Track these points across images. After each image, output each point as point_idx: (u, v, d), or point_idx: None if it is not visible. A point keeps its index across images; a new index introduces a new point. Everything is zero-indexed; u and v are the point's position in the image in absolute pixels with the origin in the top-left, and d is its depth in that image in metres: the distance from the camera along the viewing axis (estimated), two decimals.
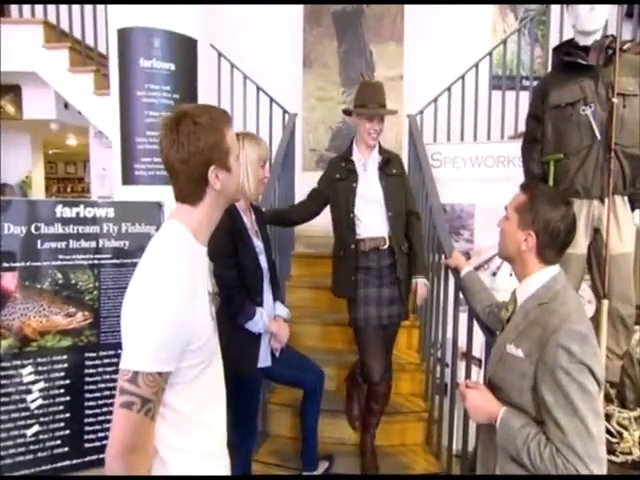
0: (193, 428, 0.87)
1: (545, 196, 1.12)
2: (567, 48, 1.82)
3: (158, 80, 1.70)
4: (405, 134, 3.59)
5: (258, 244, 1.62)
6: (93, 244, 1.41)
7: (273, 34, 4.05)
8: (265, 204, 2.25)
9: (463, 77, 3.22)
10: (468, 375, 1.80)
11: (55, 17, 3.14)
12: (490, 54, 3.25)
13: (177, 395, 0.84)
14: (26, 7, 3.22)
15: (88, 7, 3.17)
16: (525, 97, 3.25)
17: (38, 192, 4.91)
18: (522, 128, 3.40)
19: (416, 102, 3.41)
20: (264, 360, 1.62)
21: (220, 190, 0.90)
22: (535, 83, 3.43)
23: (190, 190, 0.89)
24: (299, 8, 4.12)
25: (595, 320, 1.65)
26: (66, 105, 3.69)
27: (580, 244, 1.77)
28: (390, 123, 4.08)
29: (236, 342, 1.56)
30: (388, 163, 1.99)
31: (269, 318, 1.62)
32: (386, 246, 1.94)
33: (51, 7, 3.16)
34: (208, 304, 0.91)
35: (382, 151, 2.02)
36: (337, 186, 1.98)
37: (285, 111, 3.29)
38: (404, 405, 2.38)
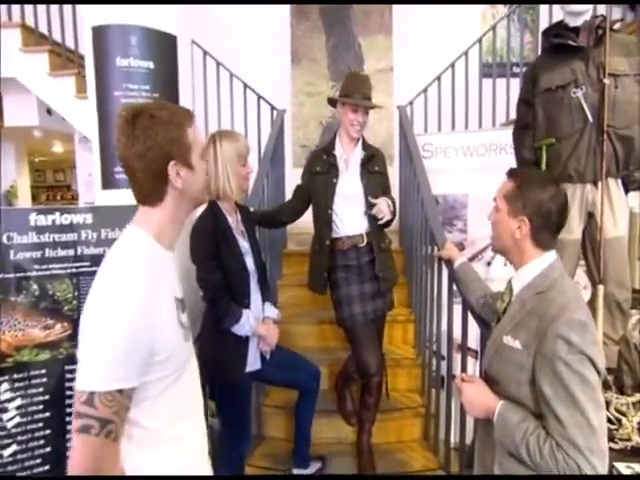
0: (165, 444, 0.83)
1: (533, 179, 1.09)
2: (557, 30, 1.78)
3: (136, 79, 1.65)
4: (396, 126, 3.55)
5: (244, 245, 1.58)
6: (71, 252, 1.37)
7: (259, 30, 3.99)
8: (253, 202, 2.21)
9: (453, 65, 3.17)
10: (464, 368, 1.77)
11: (33, 20, 3.07)
12: (480, 41, 3.20)
13: (144, 412, 0.79)
14: (2, 10, 3.15)
15: (67, 8, 3.10)
16: (516, 84, 3.18)
17: (24, 201, 4.86)
18: (514, 115, 3.41)
19: (406, 94, 3.35)
20: (253, 363, 1.58)
21: (182, 189, 0.86)
22: (526, 69, 3.45)
23: (149, 188, 0.84)
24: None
25: (591, 306, 1.63)
26: (49, 111, 3.63)
27: (574, 229, 1.74)
28: (380, 116, 4.05)
29: (223, 346, 1.52)
30: (371, 159, 1.95)
31: (257, 320, 1.58)
32: (364, 243, 1.91)
33: (29, 9, 3.09)
34: (175, 311, 0.86)
35: (366, 146, 1.98)
36: (317, 180, 1.95)
37: (273, 108, 3.24)
38: (400, 401, 2.35)
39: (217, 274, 1.48)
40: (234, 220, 1.60)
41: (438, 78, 3.17)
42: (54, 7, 3.10)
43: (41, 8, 3.10)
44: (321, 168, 1.94)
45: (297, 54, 4.08)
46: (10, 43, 2.96)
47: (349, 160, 1.94)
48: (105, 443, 0.71)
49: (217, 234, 1.50)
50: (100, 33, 1.63)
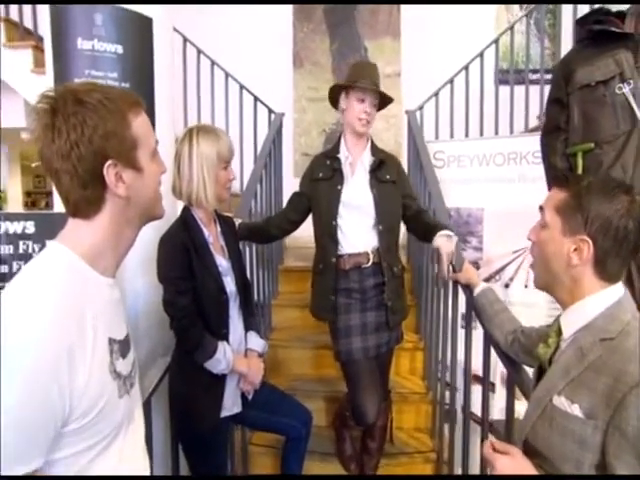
0: None
1: (596, 186, 0.82)
2: (596, 16, 1.53)
3: (102, 65, 1.41)
4: (404, 135, 3.31)
5: (223, 263, 1.31)
6: (4, 269, 1.11)
7: (259, 30, 3.78)
8: (243, 213, 1.95)
9: (467, 68, 2.93)
10: (485, 405, 1.47)
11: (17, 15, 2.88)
12: (496, 42, 2.96)
13: None
14: None
15: None
16: (535, 91, 3.00)
17: (15, 207, 4.65)
18: (533, 123, 3.18)
19: (415, 100, 3.11)
20: (231, 407, 1.30)
21: (126, 197, 0.66)
22: (548, 76, 3.23)
23: (77, 196, 0.64)
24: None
25: None
26: None
27: None
28: (388, 124, 3.82)
29: (194, 385, 1.25)
30: (382, 166, 1.66)
31: (237, 354, 1.30)
32: (369, 264, 1.62)
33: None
34: (107, 358, 0.64)
35: (375, 151, 1.70)
36: (319, 187, 1.67)
37: (271, 111, 3.00)
38: (408, 443, 2.04)
39: (187, 297, 1.21)
40: (212, 233, 1.33)
41: (451, 81, 2.92)
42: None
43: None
44: (324, 174, 1.67)
45: (299, 57, 3.87)
46: None
47: (355, 164, 1.67)
48: None
49: (189, 249, 1.23)
50: (58, 10, 1.39)
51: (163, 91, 1.57)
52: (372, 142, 1.72)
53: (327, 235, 1.64)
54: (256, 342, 1.40)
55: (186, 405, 1.24)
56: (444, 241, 1.50)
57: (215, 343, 1.23)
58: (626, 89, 1.44)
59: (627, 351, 0.75)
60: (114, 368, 0.65)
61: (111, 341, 0.65)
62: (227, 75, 2.95)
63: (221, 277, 1.29)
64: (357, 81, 1.59)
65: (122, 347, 0.68)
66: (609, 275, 0.82)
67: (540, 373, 0.97)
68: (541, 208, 0.92)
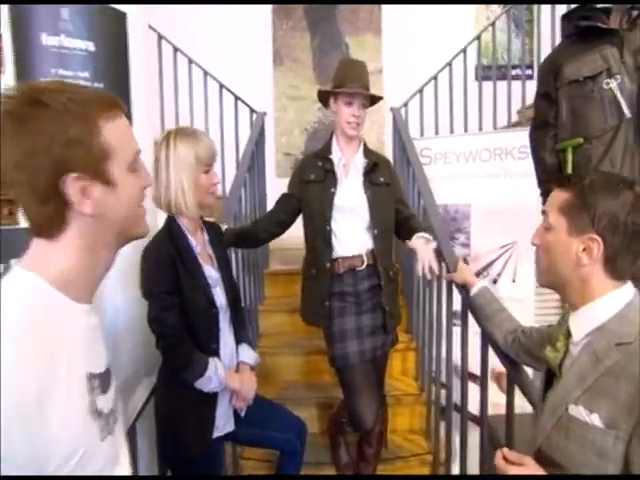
0: None
1: (599, 184, 0.80)
2: (582, 12, 1.52)
3: (72, 63, 1.31)
4: (387, 132, 3.28)
5: (212, 274, 1.24)
6: None
7: (238, 27, 3.67)
8: (228, 218, 1.87)
9: (450, 64, 2.92)
10: (484, 406, 1.44)
11: None
12: (478, 38, 2.96)
13: None
14: None
15: None
16: (517, 87, 3.02)
17: None
18: (515, 118, 3.20)
19: (398, 97, 3.08)
20: (224, 426, 1.22)
21: (95, 214, 0.57)
22: (528, 72, 3.26)
23: (37, 214, 0.56)
24: None
25: None
26: None
27: None
28: (370, 121, 3.76)
29: (182, 406, 1.17)
30: (375, 168, 1.62)
31: (229, 370, 1.23)
32: (363, 267, 1.58)
33: None
34: (88, 396, 0.56)
35: (368, 153, 1.66)
36: (311, 190, 1.61)
37: (252, 110, 2.92)
38: (403, 447, 2.01)
39: (174, 313, 1.14)
40: (200, 242, 1.26)
41: (435, 78, 2.90)
42: None
43: None
44: (316, 176, 1.61)
45: (279, 54, 3.79)
46: None
47: (348, 165, 1.62)
48: None
49: (175, 260, 1.15)
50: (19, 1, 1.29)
51: (140, 92, 1.47)
52: (364, 144, 1.68)
53: (320, 239, 1.59)
54: (248, 355, 1.33)
55: (175, 428, 1.17)
56: (421, 243, 1.51)
57: (205, 360, 1.15)
58: (613, 84, 1.45)
59: None
60: (95, 407, 0.56)
61: (90, 376, 0.57)
62: (206, 74, 2.85)
63: (210, 289, 1.21)
64: (344, 85, 1.54)
65: (103, 381, 0.60)
66: (619, 273, 0.80)
67: (549, 378, 0.94)
68: (544, 212, 0.89)
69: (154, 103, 2.82)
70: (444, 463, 1.84)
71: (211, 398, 1.19)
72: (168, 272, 1.14)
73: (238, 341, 1.33)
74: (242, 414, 1.28)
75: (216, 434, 1.20)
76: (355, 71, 1.57)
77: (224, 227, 1.59)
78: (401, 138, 2.52)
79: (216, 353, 1.21)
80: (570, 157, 1.56)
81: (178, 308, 1.15)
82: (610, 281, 0.80)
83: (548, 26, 2.96)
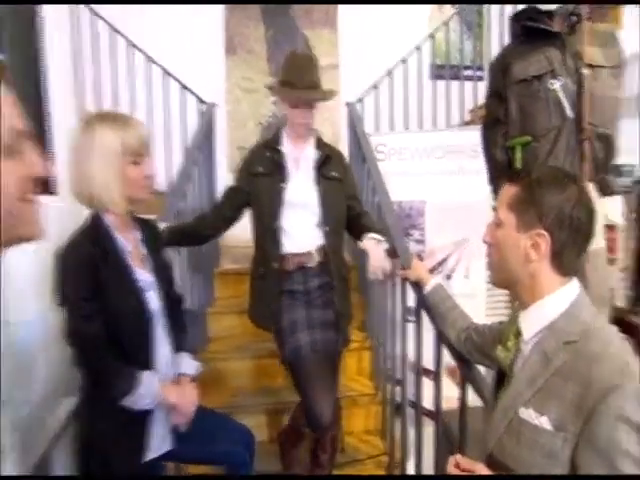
0: None
1: (546, 178, 0.80)
2: (529, 13, 1.55)
3: None
4: (343, 128, 3.22)
5: (144, 277, 1.10)
6: None
7: (187, 12, 3.44)
8: (169, 215, 1.72)
9: (405, 61, 2.91)
10: (437, 402, 1.41)
11: None
12: (432, 36, 2.98)
13: None
14: None
15: None
16: (469, 87, 3.08)
17: None
18: (468, 118, 3.26)
19: (354, 93, 3.04)
20: (159, 446, 1.10)
21: None
22: (479, 73, 3.35)
23: None
24: None
25: None
26: None
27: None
28: (324, 117, 3.70)
29: (109, 427, 1.03)
30: (327, 162, 1.55)
31: (165, 382, 1.11)
32: (314, 264, 1.51)
33: None
34: None
35: (321, 145, 1.59)
36: (259, 183, 1.52)
37: (201, 101, 2.76)
38: (359, 449, 1.96)
39: (95, 323, 1.00)
40: (131, 241, 1.12)
41: (390, 74, 2.88)
42: None
43: None
44: (264, 169, 1.52)
45: (232, 43, 3.62)
46: None
47: (299, 159, 1.54)
48: None
49: (98, 262, 1.01)
50: None
51: (60, 71, 1.31)
52: (318, 136, 1.60)
53: (269, 236, 1.50)
54: (188, 364, 1.20)
55: (101, 452, 1.03)
56: (372, 245, 1.50)
57: (135, 374, 1.02)
58: (557, 85, 1.48)
59: (591, 354, 0.70)
60: None
61: None
62: (149, 59, 2.65)
63: (142, 293, 1.08)
64: (288, 86, 1.46)
65: None
66: (566, 268, 0.79)
67: (500, 378, 0.91)
68: (494, 208, 0.87)
69: (87, 88, 2.60)
70: (399, 464, 1.81)
71: (143, 416, 1.06)
72: (87, 276, 1.00)
73: (177, 349, 1.21)
74: (182, 430, 1.16)
75: (150, 456, 1.07)
76: (303, 70, 1.47)
77: (162, 225, 1.45)
78: (356, 133, 2.47)
79: (149, 364, 1.08)
80: (519, 155, 1.58)
81: (100, 317, 1.01)
82: (558, 277, 0.79)
83: (497, 31, 3.04)
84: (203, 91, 2.84)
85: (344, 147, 2.88)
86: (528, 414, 0.74)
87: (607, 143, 1.52)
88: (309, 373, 1.49)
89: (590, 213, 0.78)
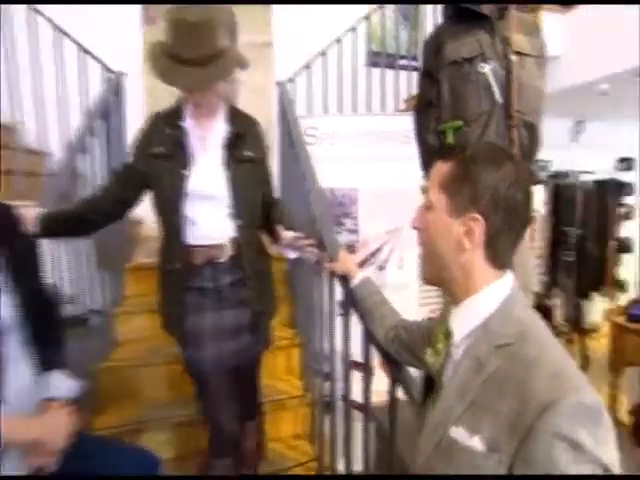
0: None
1: (482, 154, 0.68)
2: None
3: None
4: (275, 110, 3.02)
5: None
6: None
7: None
8: (49, 200, 1.43)
9: (340, 41, 2.77)
10: (367, 396, 1.31)
11: None
12: (367, 18, 2.86)
13: None
14: None
15: None
16: (404, 77, 3.02)
17: None
18: (402, 106, 3.21)
19: (288, 73, 2.84)
20: None
21: None
22: (415, 63, 3.32)
23: None
24: None
25: None
26: None
27: None
28: (256, 98, 3.46)
29: None
30: (240, 140, 1.31)
31: (20, 415, 0.86)
32: (225, 258, 1.31)
33: None
34: None
35: (233, 116, 1.33)
36: (157, 167, 1.26)
37: (108, 69, 2.39)
38: (286, 456, 1.81)
39: None
40: None
41: (323, 53, 2.73)
42: None
43: None
44: (164, 149, 1.25)
45: (149, 12, 3.24)
46: None
47: (206, 138, 1.28)
48: None
49: None
50: None
51: None
52: (230, 106, 1.36)
53: (172, 229, 1.28)
54: (61, 386, 0.96)
55: None
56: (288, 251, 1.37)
57: None
58: (487, 68, 1.44)
59: (528, 360, 0.60)
60: None
61: None
62: (50, 22, 2.23)
63: None
64: (172, 60, 1.13)
65: None
66: (500, 258, 0.68)
67: (429, 384, 0.79)
68: (424, 190, 0.75)
69: None
70: (329, 467, 1.70)
71: None
72: None
73: (47, 368, 0.96)
74: (51, 469, 0.92)
75: None
76: (188, 40, 1.12)
77: (36, 211, 1.17)
78: (286, 115, 2.29)
79: None
80: (450, 139, 1.52)
81: None
82: (492, 270, 0.69)
83: (431, 20, 3.01)
84: (119, 64, 2.46)
85: (275, 130, 2.69)
86: (459, 433, 0.62)
87: (532, 131, 1.51)
88: (211, 393, 1.32)
89: (527, 194, 0.68)
